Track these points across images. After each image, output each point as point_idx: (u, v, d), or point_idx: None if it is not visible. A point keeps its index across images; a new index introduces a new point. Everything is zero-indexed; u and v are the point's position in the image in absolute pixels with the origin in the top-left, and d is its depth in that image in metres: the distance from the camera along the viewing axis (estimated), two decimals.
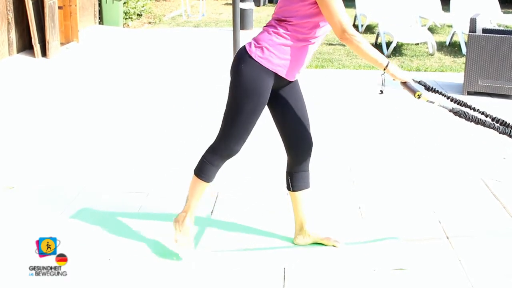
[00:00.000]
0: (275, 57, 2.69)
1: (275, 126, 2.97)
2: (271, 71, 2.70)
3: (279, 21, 2.71)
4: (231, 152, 2.84)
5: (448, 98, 3.01)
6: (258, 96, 2.72)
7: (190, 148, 4.59)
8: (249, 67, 2.69)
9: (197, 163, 2.91)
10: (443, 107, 2.58)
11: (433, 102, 2.58)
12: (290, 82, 2.83)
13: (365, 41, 2.65)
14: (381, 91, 2.85)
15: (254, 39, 2.75)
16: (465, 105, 2.90)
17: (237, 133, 2.78)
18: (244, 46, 2.77)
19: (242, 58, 2.72)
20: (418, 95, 2.58)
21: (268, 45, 2.69)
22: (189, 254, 2.91)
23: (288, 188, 3.02)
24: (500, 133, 2.59)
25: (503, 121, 2.73)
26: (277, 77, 2.73)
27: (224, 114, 2.82)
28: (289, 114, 2.88)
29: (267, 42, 2.69)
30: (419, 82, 3.03)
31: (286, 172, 3.01)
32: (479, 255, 2.96)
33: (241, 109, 2.73)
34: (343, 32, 2.60)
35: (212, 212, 3.43)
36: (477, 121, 2.57)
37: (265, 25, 2.80)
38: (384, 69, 2.70)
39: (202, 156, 2.89)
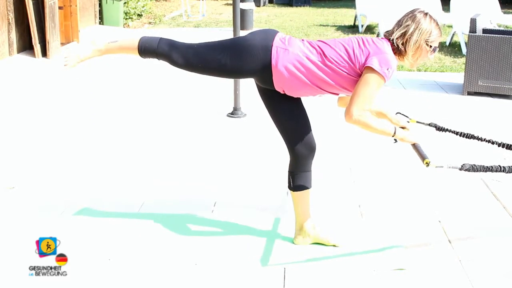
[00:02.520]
0: (285, 64, 2.67)
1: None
2: (270, 66, 2.68)
3: (321, 51, 2.69)
4: (175, 63, 2.82)
5: (457, 134, 3.04)
6: (239, 66, 2.71)
7: (190, 148, 4.60)
8: (261, 44, 2.68)
9: (151, 35, 2.90)
10: (452, 168, 2.58)
11: (442, 167, 2.59)
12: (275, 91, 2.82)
13: (370, 117, 2.65)
14: (396, 140, 2.87)
15: (289, 38, 2.74)
16: (474, 136, 2.94)
17: (194, 60, 2.77)
18: (277, 32, 2.76)
19: (266, 35, 2.72)
20: (427, 163, 2.58)
21: (292, 53, 2.68)
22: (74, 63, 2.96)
23: (290, 188, 3.02)
24: (507, 173, 2.62)
25: (510, 145, 2.79)
26: (267, 75, 2.71)
27: (219, 41, 2.81)
28: (291, 116, 2.87)
29: (294, 51, 2.68)
30: (429, 124, 3.07)
31: (288, 171, 3.00)
32: (479, 255, 2.96)
33: (218, 53, 2.73)
34: (353, 113, 2.62)
35: (212, 211, 3.43)
36: (486, 169, 2.59)
37: (307, 40, 2.78)
38: (393, 136, 2.73)
39: (160, 37, 2.87)
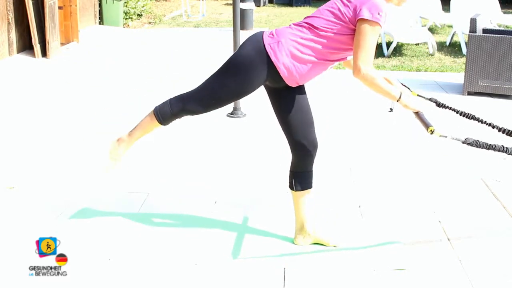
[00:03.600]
0: (285, 56, 2.66)
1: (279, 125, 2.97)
2: (273, 65, 2.67)
3: (310, 26, 2.69)
4: (193, 112, 2.83)
5: (457, 112, 3.03)
6: (245, 80, 2.70)
7: (190, 148, 4.60)
8: (255, 50, 2.67)
9: (161, 102, 2.89)
10: (456, 139, 2.57)
11: (445, 137, 2.58)
12: (288, 86, 2.80)
13: (378, 76, 2.64)
14: (391, 109, 2.85)
15: (276, 30, 2.73)
16: (474, 117, 2.93)
17: (207, 100, 2.77)
18: (263, 32, 2.75)
19: (253, 40, 2.71)
20: (431, 130, 2.57)
21: (285, 42, 2.66)
22: (110, 168, 2.98)
23: (291, 188, 3.01)
24: (509, 154, 2.61)
25: (510, 131, 2.77)
26: (275, 75, 2.70)
27: (211, 75, 2.80)
28: (295, 115, 2.86)
29: (286, 39, 2.67)
30: (430, 99, 3.05)
31: (290, 171, 3.00)
32: (479, 255, 2.96)
33: (223, 81, 2.72)
34: (361, 67, 2.59)
35: (212, 211, 3.43)
36: (488, 147, 2.58)
37: (294, 22, 2.77)
38: (397, 101, 2.71)
39: (170, 99, 2.87)
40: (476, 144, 2.57)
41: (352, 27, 2.65)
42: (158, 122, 2.87)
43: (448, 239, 3.12)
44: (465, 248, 3.03)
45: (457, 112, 3.02)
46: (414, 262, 2.87)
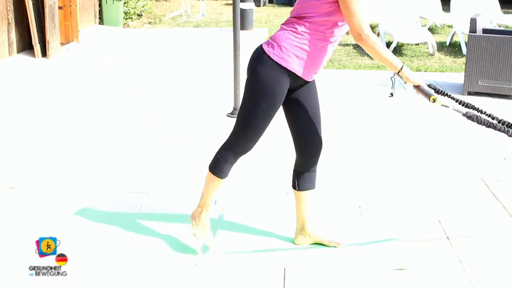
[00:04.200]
0: (293, 57, 2.67)
1: (282, 125, 2.97)
2: (289, 70, 2.68)
3: (297, 18, 2.69)
4: (244, 150, 2.86)
5: (457, 101, 3.02)
6: (274, 96, 2.71)
7: (190, 148, 4.60)
8: (266, 66, 2.68)
9: (211, 159, 2.92)
10: (457, 111, 2.57)
11: (447, 106, 2.58)
12: (307, 82, 2.82)
13: (380, 43, 2.64)
14: (391, 94, 2.84)
15: (272, 38, 2.73)
16: (474, 107, 2.91)
17: (251, 132, 2.79)
18: (261, 45, 2.75)
19: (259, 58, 2.71)
20: (433, 99, 2.57)
21: (286, 44, 2.67)
22: (210, 245, 2.95)
23: (294, 187, 3.01)
24: (510, 136, 2.60)
25: (510, 123, 2.74)
26: (294, 76, 2.71)
27: (239, 111, 2.82)
28: (303, 114, 2.87)
29: (285, 41, 2.67)
30: (429, 86, 3.05)
31: (294, 170, 3.00)
32: (479, 255, 2.96)
33: (256, 108, 2.73)
34: (360, 33, 2.59)
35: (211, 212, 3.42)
36: (488, 125, 2.58)
37: (282, 23, 2.78)
38: (398, 72, 2.69)
39: (216, 153, 2.91)
40: (477, 119, 2.56)
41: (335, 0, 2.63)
42: (219, 178, 2.91)
43: (448, 239, 3.12)
44: (465, 248, 3.02)
45: (456, 100, 3.01)
46: (414, 262, 2.87)
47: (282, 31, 2.72)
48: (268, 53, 2.68)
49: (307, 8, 2.66)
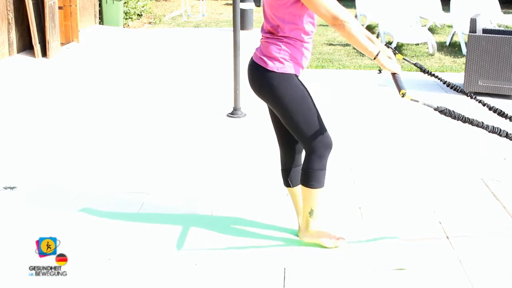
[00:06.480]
0: (292, 63, 2.76)
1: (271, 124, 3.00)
2: (287, 74, 2.77)
3: (273, 27, 2.74)
4: (329, 146, 2.85)
5: (445, 83, 3.02)
6: (302, 94, 2.79)
7: (190, 148, 4.60)
8: (278, 80, 2.75)
9: (303, 177, 2.89)
10: (427, 105, 2.51)
11: (417, 101, 2.52)
12: None
13: (356, 28, 2.63)
14: (380, 71, 2.84)
15: (265, 55, 2.77)
16: (502, 113, 2.91)
17: (319, 128, 2.81)
18: (258, 65, 2.79)
19: (268, 77, 2.76)
20: (403, 93, 2.51)
21: (280, 56, 2.74)
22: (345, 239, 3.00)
23: (287, 185, 3.02)
24: (489, 132, 2.55)
25: (501, 111, 2.71)
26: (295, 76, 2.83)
27: (294, 127, 2.82)
28: (301, 113, 2.88)
29: (278, 53, 2.74)
30: (415, 64, 3.05)
31: (282, 169, 3.03)
32: (479, 255, 2.96)
33: (302, 112, 2.78)
34: (335, 19, 2.60)
35: (212, 212, 3.43)
36: (464, 120, 2.51)
37: (263, 36, 2.83)
38: (374, 58, 2.69)
39: (307, 168, 2.85)
40: (450, 113, 2.47)
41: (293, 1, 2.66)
42: (321, 187, 2.89)
43: (448, 239, 3.12)
44: (465, 248, 3.03)
45: (444, 82, 3.02)
46: (414, 262, 2.87)
47: (262, 44, 2.81)
48: (272, 69, 2.75)
49: (273, 11, 2.71)
